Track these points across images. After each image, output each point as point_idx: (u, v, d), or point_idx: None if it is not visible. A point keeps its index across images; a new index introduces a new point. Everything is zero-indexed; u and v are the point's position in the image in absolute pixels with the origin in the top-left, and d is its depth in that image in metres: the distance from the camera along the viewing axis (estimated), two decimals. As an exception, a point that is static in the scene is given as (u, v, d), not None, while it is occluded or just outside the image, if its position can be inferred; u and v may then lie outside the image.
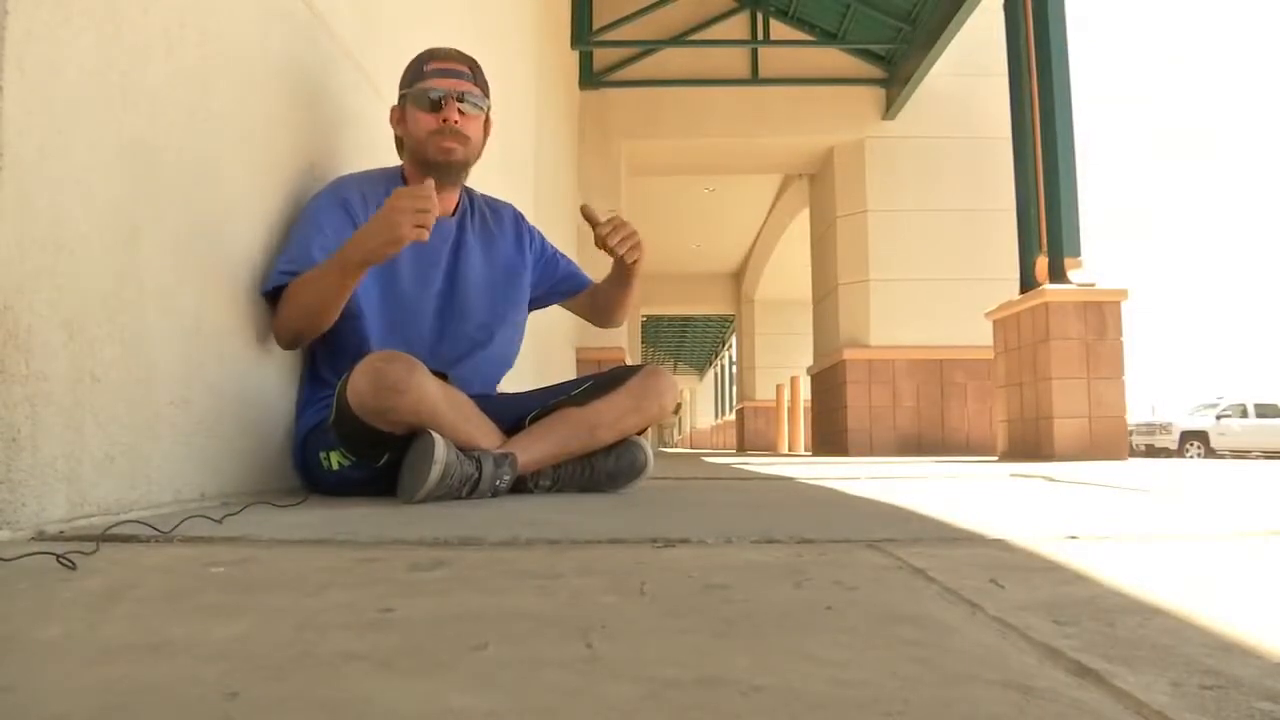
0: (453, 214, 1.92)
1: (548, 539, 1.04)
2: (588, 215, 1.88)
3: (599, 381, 1.82)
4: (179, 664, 0.52)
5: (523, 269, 2.01)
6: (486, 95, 1.89)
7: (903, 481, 2.42)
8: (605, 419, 1.76)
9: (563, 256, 2.14)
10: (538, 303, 2.10)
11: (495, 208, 2.04)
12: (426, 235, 1.55)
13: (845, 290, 7.42)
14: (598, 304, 2.13)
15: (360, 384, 1.47)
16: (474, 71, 1.86)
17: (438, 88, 1.79)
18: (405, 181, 1.88)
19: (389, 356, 1.51)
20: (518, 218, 2.08)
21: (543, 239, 2.12)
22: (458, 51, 1.87)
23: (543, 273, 2.07)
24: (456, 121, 1.80)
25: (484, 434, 1.65)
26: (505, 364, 2.00)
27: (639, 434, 1.84)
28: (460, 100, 1.80)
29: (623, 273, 1.98)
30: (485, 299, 1.92)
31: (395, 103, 1.88)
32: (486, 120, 1.91)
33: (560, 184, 6.12)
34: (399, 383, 1.47)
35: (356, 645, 0.56)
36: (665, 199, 10.57)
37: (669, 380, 1.85)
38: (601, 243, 1.86)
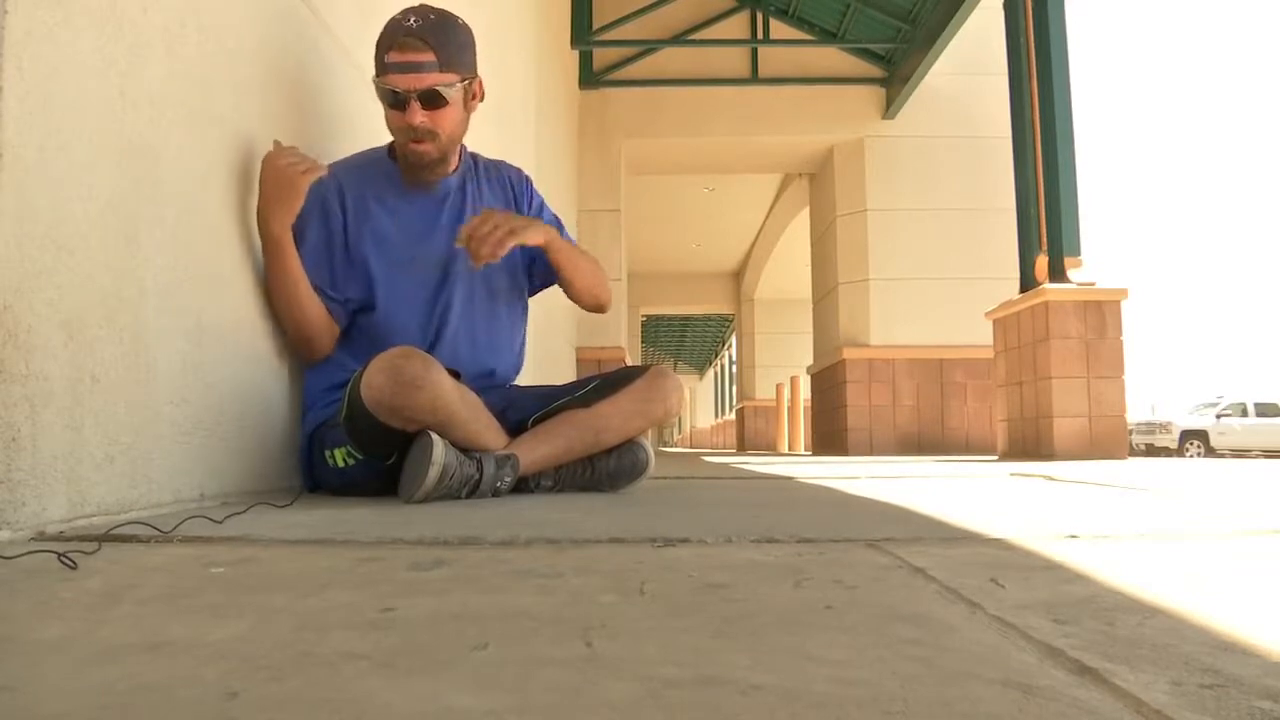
0: (453, 172, 1.88)
1: (548, 538, 1.04)
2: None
3: (604, 382, 1.80)
4: (179, 664, 0.52)
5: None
6: (463, 68, 1.72)
7: (902, 481, 2.42)
8: (610, 422, 1.74)
9: (554, 219, 2.01)
10: (537, 276, 2.00)
11: (497, 168, 2.00)
12: (319, 172, 1.58)
13: (845, 289, 7.43)
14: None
15: (377, 380, 1.46)
16: (441, 52, 1.67)
17: (396, 86, 1.67)
18: (393, 159, 1.83)
19: (406, 353, 1.50)
20: (513, 181, 2.00)
21: (542, 204, 2.04)
22: (419, 31, 1.66)
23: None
24: (423, 122, 1.70)
25: (491, 434, 1.65)
26: (512, 338, 1.95)
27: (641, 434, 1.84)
28: (425, 96, 1.68)
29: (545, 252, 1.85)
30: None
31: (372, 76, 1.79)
32: (470, 88, 1.76)
33: (560, 183, 6.12)
34: (416, 379, 1.46)
35: (357, 645, 0.56)
36: (665, 199, 10.58)
37: (675, 382, 1.84)
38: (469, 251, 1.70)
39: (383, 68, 1.69)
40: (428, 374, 1.47)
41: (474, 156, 1.97)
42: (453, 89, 1.71)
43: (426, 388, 1.47)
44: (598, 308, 2.01)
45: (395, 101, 1.70)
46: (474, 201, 1.89)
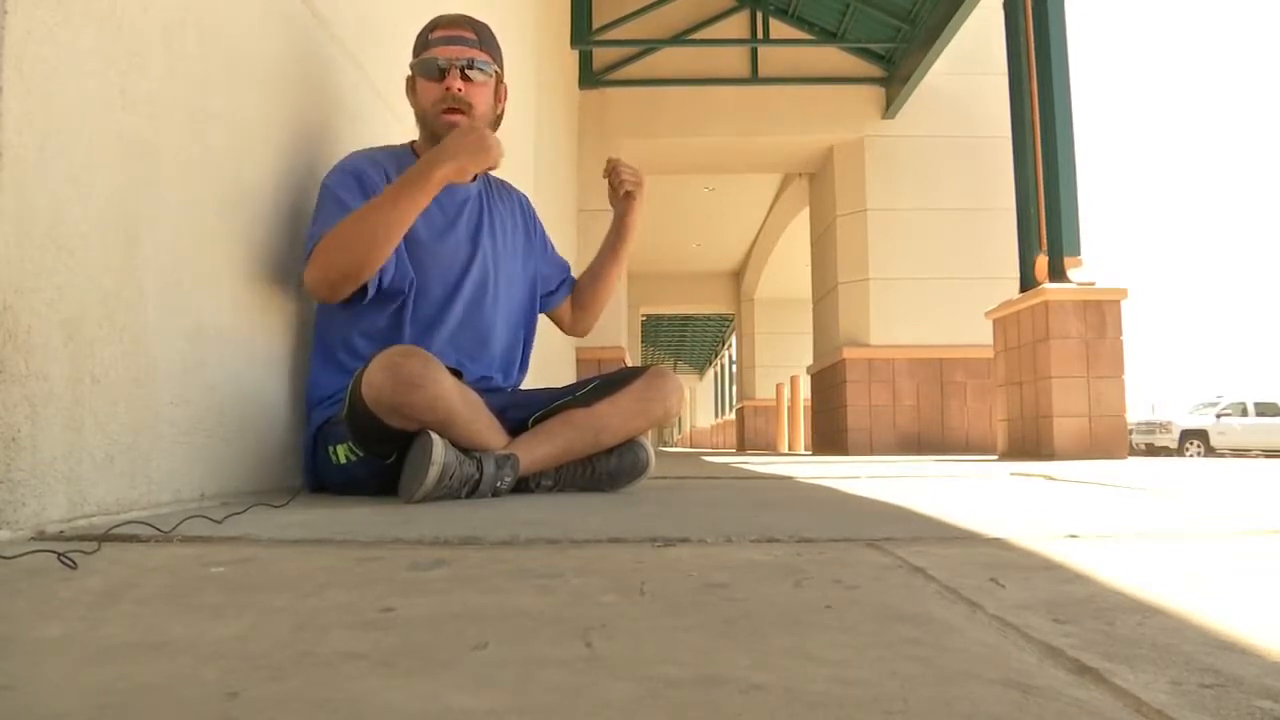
0: (473, 180, 1.92)
1: (548, 538, 1.04)
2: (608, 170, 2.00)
3: (604, 382, 1.81)
4: (179, 664, 0.52)
5: (529, 250, 2.04)
6: (497, 60, 1.87)
7: (902, 480, 2.42)
8: (610, 422, 1.75)
9: (553, 250, 2.14)
10: (552, 297, 2.12)
11: (506, 188, 2.07)
12: (499, 163, 1.74)
13: (845, 289, 7.43)
14: (580, 292, 2.13)
15: (377, 379, 1.46)
16: (481, 36, 1.84)
17: (441, 56, 1.79)
18: (416, 156, 1.87)
19: (406, 351, 1.51)
20: (524, 202, 2.09)
21: (544, 232, 2.12)
22: (465, 17, 1.85)
23: (538, 263, 2.07)
24: (461, 90, 1.79)
25: (491, 434, 1.65)
26: (515, 348, 2.00)
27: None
28: (468, 68, 1.80)
29: (621, 217, 2.06)
30: (508, 265, 1.95)
31: (407, 73, 1.89)
32: (499, 85, 1.89)
33: (560, 184, 6.12)
34: (416, 377, 1.46)
35: (356, 645, 0.56)
36: (665, 199, 10.57)
37: (675, 382, 1.85)
38: (610, 176, 1.98)
39: (426, 44, 1.82)
40: (427, 372, 1.48)
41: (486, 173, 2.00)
42: (489, 69, 1.84)
43: (426, 386, 1.47)
44: (586, 330, 2.18)
45: (436, 73, 1.80)
46: (489, 213, 1.94)
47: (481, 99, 1.83)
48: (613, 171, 1.96)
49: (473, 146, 1.68)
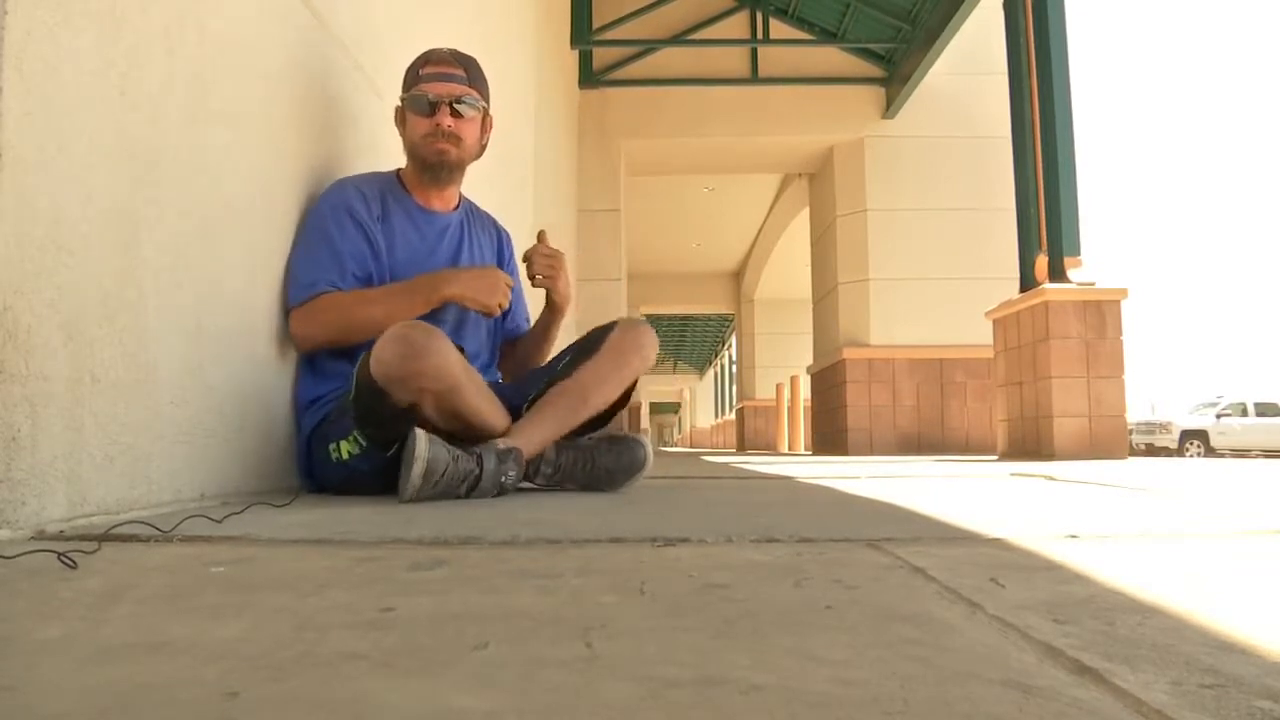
0: (454, 209, 2.00)
1: (548, 538, 1.04)
2: (540, 239, 1.98)
3: (579, 350, 1.85)
4: (179, 664, 0.52)
5: None
6: (484, 95, 1.93)
7: (902, 481, 2.42)
8: (593, 382, 1.79)
9: (520, 295, 2.16)
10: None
11: (489, 221, 2.13)
12: (499, 312, 1.82)
13: (845, 289, 7.42)
14: (514, 350, 2.15)
15: (386, 352, 1.50)
16: (470, 72, 1.90)
17: (431, 93, 1.85)
18: (401, 184, 1.93)
19: (412, 324, 1.55)
20: (503, 240, 2.14)
21: (516, 272, 2.15)
22: (454, 53, 1.90)
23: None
24: (450, 126, 1.85)
25: (495, 409, 1.69)
26: (495, 365, 2.07)
27: (630, 392, 1.87)
28: (457, 103, 1.85)
29: (550, 306, 2.05)
30: None
31: (397, 104, 1.93)
32: (485, 118, 1.95)
33: (560, 184, 6.12)
34: (422, 346, 1.50)
35: (356, 645, 0.56)
36: (665, 199, 10.57)
37: (646, 331, 1.88)
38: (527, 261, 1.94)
39: (416, 80, 1.87)
40: (431, 342, 1.52)
41: (470, 203, 2.08)
42: (477, 104, 1.90)
43: (433, 354, 1.51)
44: (506, 375, 2.17)
45: (427, 108, 1.85)
46: (469, 240, 2.00)
47: (469, 133, 1.90)
48: (528, 262, 1.94)
49: (487, 288, 1.77)
